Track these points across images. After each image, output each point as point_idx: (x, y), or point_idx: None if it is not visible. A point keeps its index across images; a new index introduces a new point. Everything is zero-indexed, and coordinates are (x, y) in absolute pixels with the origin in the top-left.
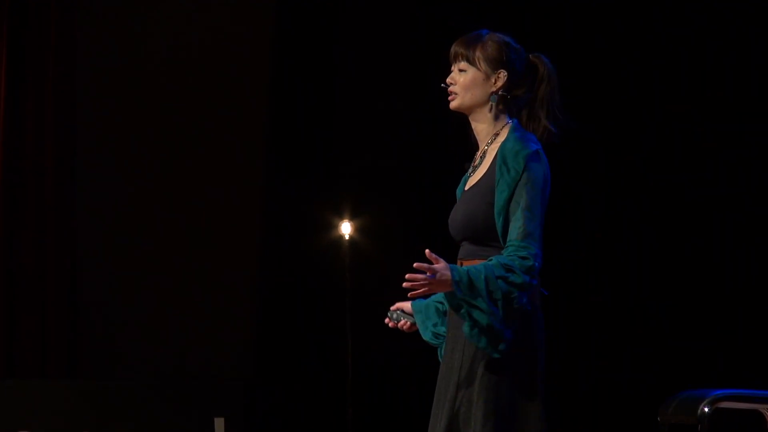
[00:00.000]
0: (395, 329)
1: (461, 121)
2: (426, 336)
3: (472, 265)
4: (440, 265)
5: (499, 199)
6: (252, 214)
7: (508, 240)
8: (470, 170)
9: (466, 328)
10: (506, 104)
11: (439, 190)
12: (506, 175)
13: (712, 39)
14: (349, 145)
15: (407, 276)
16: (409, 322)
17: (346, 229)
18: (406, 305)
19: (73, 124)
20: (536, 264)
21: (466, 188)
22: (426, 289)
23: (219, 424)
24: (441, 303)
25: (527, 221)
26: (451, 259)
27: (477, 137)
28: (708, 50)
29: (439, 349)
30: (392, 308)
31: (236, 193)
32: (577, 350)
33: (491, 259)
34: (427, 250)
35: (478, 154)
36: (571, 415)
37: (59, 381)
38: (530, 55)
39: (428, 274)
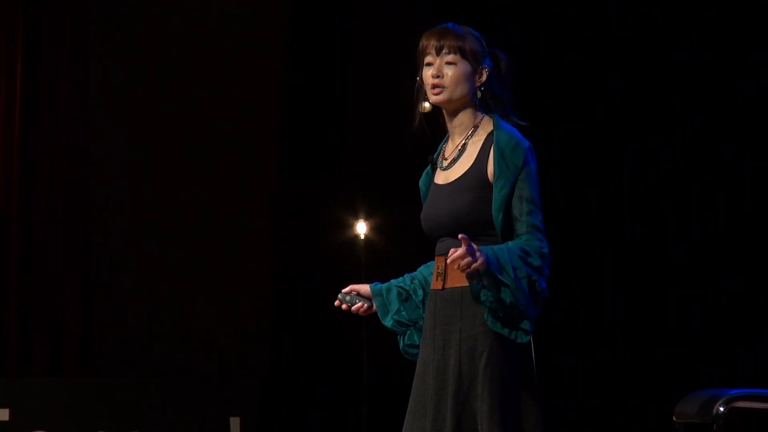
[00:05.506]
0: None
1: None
2: (387, 322)
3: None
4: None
5: (501, 195)
6: (267, 214)
7: (516, 233)
8: (441, 163)
9: (488, 315)
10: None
11: None
12: (506, 171)
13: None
14: (364, 144)
15: (451, 253)
16: (365, 305)
17: (361, 228)
18: (363, 288)
19: (86, 119)
20: (548, 253)
21: (442, 182)
22: (472, 261)
23: (234, 423)
24: (402, 289)
25: (533, 216)
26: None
27: (452, 130)
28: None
29: (400, 337)
30: (344, 290)
31: (251, 192)
32: (593, 349)
33: (507, 243)
34: (460, 235)
35: (453, 146)
36: (586, 414)
37: (74, 380)
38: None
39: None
